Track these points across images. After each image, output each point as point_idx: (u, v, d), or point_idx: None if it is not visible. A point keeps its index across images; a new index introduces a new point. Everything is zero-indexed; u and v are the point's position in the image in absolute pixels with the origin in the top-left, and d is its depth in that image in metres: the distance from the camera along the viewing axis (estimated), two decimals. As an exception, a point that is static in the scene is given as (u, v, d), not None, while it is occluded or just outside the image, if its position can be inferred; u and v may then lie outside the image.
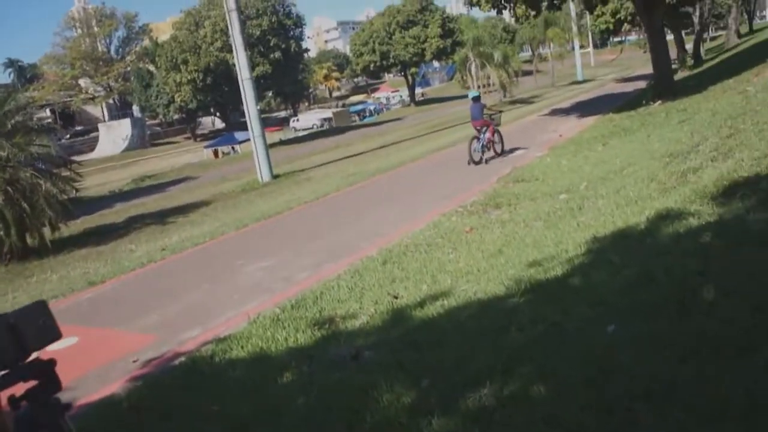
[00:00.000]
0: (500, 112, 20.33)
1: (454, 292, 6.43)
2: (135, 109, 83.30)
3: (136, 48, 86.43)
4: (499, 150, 17.99)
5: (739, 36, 55.03)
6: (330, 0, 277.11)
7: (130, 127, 74.50)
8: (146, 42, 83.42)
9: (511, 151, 18.39)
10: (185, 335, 7.24)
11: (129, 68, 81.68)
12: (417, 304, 6.29)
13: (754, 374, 2.85)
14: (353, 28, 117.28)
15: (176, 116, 76.41)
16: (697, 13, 44.31)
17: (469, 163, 16.79)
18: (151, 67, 76.05)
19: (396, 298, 6.80)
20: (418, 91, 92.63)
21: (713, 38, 77.45)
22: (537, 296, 5.43)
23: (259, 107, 26.08)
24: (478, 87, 50.20)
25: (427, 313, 5.95)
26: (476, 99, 17.81)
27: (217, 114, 77.60)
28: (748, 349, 3.05)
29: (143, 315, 8.38)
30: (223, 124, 76.33)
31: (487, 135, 17.40)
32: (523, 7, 24.75)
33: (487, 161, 17.07)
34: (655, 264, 5.06)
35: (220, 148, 53.94)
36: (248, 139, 28.20)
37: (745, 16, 68.23)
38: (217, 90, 66.66)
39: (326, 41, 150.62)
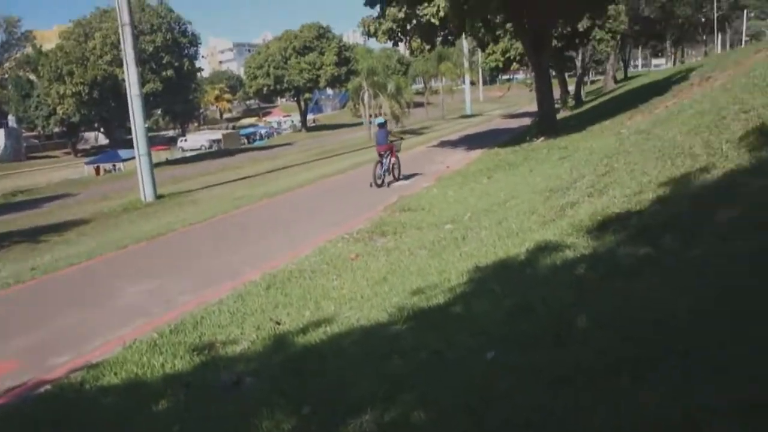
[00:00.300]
0: (401, 138, 21.15)
1: (338, 318, 6.39)
2: (11, 119, 78.79)
3: (16, 55, 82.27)
4: (397, 175, 18.87)
5: (616, 81, 58.63)
6: (227, 21, 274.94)
7: (4, 138, 70.33)
8: (29, 49, 79.33)
9: (406, 178, 19.04)
10: (53, 362, 6.80)
11: (7, 76, 77.49)
12: (300, 331, 6.20)
13: (621, 403, 2.95)
14: (249, 51, 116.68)
15: (57, 129, 72.98)
16: (580, 58, 46.90)
17: (371, 185, 17.59)
18: (33, 77, 72.44)
19: (278, 324, 6.69)
20: (310, 117, 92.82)
21: (593, 81, 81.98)
22: (420, 324, 5.45)
23: (146, 125, 25.28)
24: (371, 116, 50.83)
25: (310, 340, 5.87)
26: (382, 125, 18.80)
27: (102, 130, 74.83)
28: (618, 378, 3.15)
29: (5, 340, 7.80)
30: (107, 141, 73.59)
31: (391, 159, 18.35)
32: (419, 40, 25.37)
33: (389, 184, 17.91)
34: (534, 294, 5.19)
35: (102, 165, 51.81)
36: (133, 158, 27.25)
37: (621, 64, 72.85)
38: (104, 105, 64.46)
39: (221, 62, 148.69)
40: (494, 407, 3.36)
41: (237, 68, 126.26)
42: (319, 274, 8.83)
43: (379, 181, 17.78)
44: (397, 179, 18.67)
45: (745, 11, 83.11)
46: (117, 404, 5.24)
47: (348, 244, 10.54)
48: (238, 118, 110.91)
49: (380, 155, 18.19)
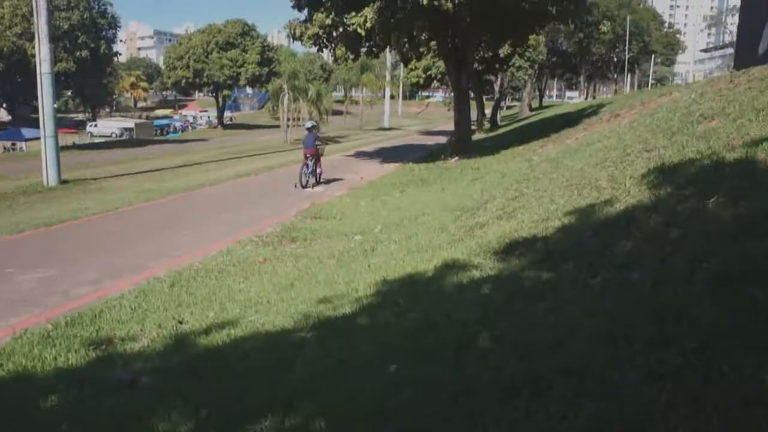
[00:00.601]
0: (326, 143, 21.52)
1: (242, 321, 6.30)
2: None
3: None
4: (319, 179, 19.48)
5: (531, 109, 60.64)
6: (149, 7, 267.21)
7: None
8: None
9: (327, 182, 19.54)
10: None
11: None
12: (202, 331, 6.09)
13: (519, 420, 3.05)
14: (170, 40, 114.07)
15: (-48, 101, 69.03)
16: (498, 82, 48.23)
17: (296, 186, 18.28)
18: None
19: (181, 323, 6.55)
20: (228, 114, 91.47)
21: (509, 107, 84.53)
22: (325, 332, 5.46)
23: (55, 106, 24.22)
24: (288, 120, 50.52)
25: (212, 341, 5.77)
26: (311, 129, 19.56)
27: (4, 105, 71.32)
28: (518, 397, 3.25)
29: None
30: (10, 117, 70.16)
31: (316, 163, 19.07)
32: (344, 49, 25.43)
33: (312, 186, 18.62)
34: (439, 310, 5.28)
35: (1, 143, 49.45)
36: (37, 138, 26.07)
37: (537, 93, 75.44)
38: (8, 79, 61.38)
39: (139, 48, 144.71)
40: (395, 419, 3.40)
41: (156, 57, 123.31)
42: (226, 275, 8.70)
43: (304, 182, 18.50)
44: (318, 183, 19.28)
45: (653, 56, 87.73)
46: (2, 398, 4.98)
47: (257, 247, 10.43)
48: (153, 108, 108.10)
49: (306, 158, 18.76)
